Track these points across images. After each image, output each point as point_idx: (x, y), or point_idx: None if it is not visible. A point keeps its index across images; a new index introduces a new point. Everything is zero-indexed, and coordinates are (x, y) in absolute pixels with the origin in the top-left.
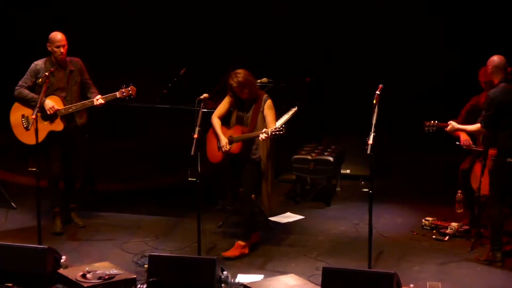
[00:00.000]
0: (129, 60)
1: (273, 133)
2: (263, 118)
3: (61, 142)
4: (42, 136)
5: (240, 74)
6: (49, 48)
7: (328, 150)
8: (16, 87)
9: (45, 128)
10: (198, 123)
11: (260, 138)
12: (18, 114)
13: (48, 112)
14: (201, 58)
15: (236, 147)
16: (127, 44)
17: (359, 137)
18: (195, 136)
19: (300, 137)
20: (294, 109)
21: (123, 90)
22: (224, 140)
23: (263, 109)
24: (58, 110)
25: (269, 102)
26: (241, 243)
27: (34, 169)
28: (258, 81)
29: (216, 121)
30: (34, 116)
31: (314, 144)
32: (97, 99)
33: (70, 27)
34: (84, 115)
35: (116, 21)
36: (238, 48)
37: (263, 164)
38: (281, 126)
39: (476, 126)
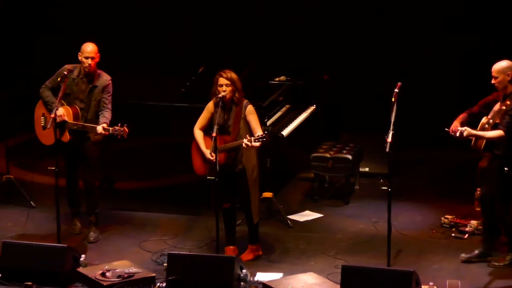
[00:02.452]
0: (148, 59)
1: (256, 140)
2: (246, 124)
3: (73, 153)
4: (51, 140)
5: (231, 72)
6: (79, 58)
7: (347, 148)
8: (42, 86)
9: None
10: (216, 121)
11: (243, 145)
12: (40, 112)
13: (57, 120)
14: (219, 56)
15: (220, 158)
16: (146, 42)
17: (378, 135)
18: (214, 134)
19: (319, 135)
20: (312, 107)
21: (116, 128)
22: (207, 153)
23: (245, 116)
24: (66, 121)
25: (249, 107)
26: (253, 246)
27: (53, 168)
28: (276, 79)
29: (198, 133)
30: (53, 115)
31: (333, 142)
32: (101, 128)
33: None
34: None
35: (135, 20)
36: (256, 46)
37: (249, 173)
38: (264, 133)
39: (497, 133)
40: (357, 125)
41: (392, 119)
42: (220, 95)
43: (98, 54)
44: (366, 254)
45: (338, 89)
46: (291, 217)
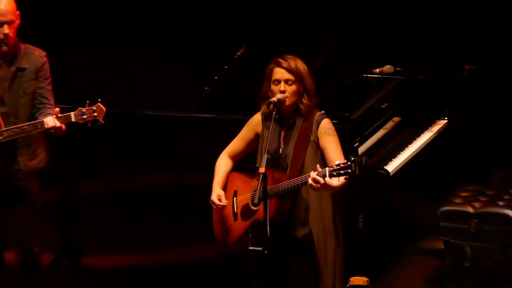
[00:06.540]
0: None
1: (334, 173)
2: (318, 152)
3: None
4: None
5: (296, 59)
6: None
7: (505, 197)
8: None
9: None
10: (266, 145)
11: (310, 183)
12: None
13: None
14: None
15: (268, 207)
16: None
17: None
18: (262, 170)
19: (454, 173)
20: (443, 122)
21: (83, 109)
22: (216, 193)
23: (317, 138)
24: None
25: (326, 122)
26: None
27: None
28: (377, 70)
29: (222, 163)
30: None
31: (480, 185)
32: (51, 120)
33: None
34: (38, 152)
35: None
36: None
37: (320, 243)
38: (347, 162)
39: None
40: None
41: None
42: (275, 99)
43: (19, 16)
44: None
45: (485, 88)
46: None
